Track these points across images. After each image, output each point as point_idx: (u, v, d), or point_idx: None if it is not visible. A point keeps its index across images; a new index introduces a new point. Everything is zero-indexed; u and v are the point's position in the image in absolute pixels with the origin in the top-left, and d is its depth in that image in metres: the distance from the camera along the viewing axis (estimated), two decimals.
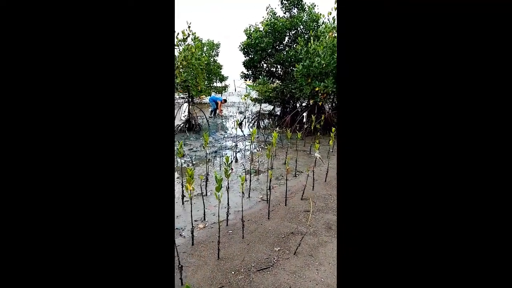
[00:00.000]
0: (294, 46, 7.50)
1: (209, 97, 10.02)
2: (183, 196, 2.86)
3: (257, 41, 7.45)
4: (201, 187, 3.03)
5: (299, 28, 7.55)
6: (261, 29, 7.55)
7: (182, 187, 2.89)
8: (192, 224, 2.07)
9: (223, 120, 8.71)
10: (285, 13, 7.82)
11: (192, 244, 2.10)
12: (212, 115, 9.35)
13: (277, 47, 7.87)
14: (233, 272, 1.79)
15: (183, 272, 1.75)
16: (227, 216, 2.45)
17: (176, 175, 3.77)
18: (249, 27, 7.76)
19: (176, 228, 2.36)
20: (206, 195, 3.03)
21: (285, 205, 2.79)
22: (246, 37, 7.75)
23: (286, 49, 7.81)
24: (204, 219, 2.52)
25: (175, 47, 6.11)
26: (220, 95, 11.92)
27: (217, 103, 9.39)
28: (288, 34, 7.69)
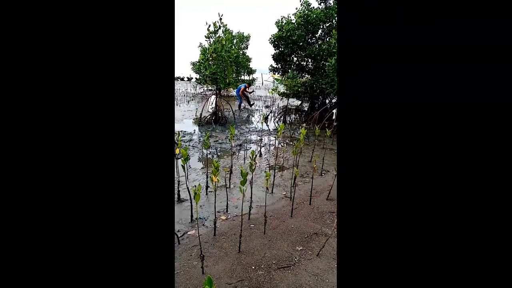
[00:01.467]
0: (328, 39, 7.16)
1: (235, 90, 9.88)
2: (207, 186, 2.91)
3: (288, 34, 7.24)
4: (225, 179, 3.06)
5: (334, 20, 7.17)
6: (294, 21, 7.31)
7: (207, 177, 2.93)
8: (215, 215, 2.09)
9: (249, 114, 8.71)
10: (320, 4, 7.47)
11: (214, 235, 2.12)
12: (240, 108, 9.32)
13: (309, 40, 7.58)
14: (253, 267, 1.77)
15: (204, 261, 1.77)
16: (250, 210, 2.43)
17: (201, 165, 3.86)
18: (281, 19, 7.56)
19: (200, 218, 2.41)
20: (230, 187, 3.05)
21: (309, 204, 2.70)
22: (278, 29, 7.57)
23: (319, 43, 7.49)
24: (227, 211, 2.54)
25: (206, 39, 6.18)
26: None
27: (239, 92, 9.18)
28: (322, 26, 7.35)
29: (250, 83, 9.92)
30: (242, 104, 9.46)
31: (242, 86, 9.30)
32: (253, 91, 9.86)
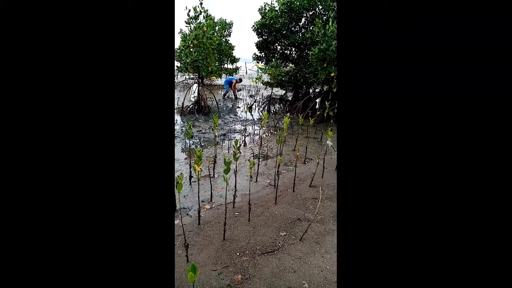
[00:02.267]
0: (311, 28, 7.14)
1: (224, 79, 9.80)
2: (190, 177, 2.87)
3: (271, 21, 7.11)
4: (208, 168, 3.03)
5: (317, 9, 7.13)
6: (277, 8, 7.18)
7: (190, 167, 2.89)
8: (199, 204, 2.07)
9: (233, 103, 8.61)
10: None
11: (199, 224, 2.12)
12: (224, 97, 9.23)
13: (292, 28, 7.51)
14: (238, 254, 1.80)
15: (189, 250, 1.77)
16: (234, 198, 2.44)
17: (184, 156, 3.79)
18: (264, 5, 7.39)
19: (183, 208, 2.38)
20: (214, 177, 3.03)
21: (293, 191, 2.76)
22: (261, 17, 7.41)
23: (302, 31, 7.45)
24: (211, 200, 2.53)
25: (187, 25, 5.92)
26: (237, 76, 11.71)
27: (231, 84, 9.20)
28: (305, 15, 7.29)
29: (241, 79, 9.93)
30: (228, 94, 9.36)
31: (234, 79, 9.23)
32: (240, 90, 9.85)
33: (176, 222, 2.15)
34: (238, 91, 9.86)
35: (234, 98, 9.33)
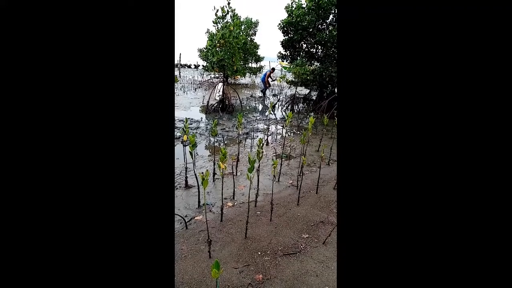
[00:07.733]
0: None
1: (261, 77, 9.70)
2: (214, 174, 2.93)
3: (298, 19, 6.99)
4: (232, 166, 3.06)
5: None
6: (304, 5, 7.04)
7: (214, 165, 2.95)
8: (222, 201, 2.11)
9: (256, 103, 8.63)
10: None
11: (221, 221, 2.15)
12: (264, 94, 9.17)
13: (319, 26, 7.31)
14: (259, 253, 1.80)
15: (211, 246, 1.81)
16: (256, 197, 2.45)
17: (208, 153, 3.87)
18: (291, 3, 7.29)
19: (207, 204, 2.44)
20: (236, 175, 3.06)
21: (316, 193, 2.69)
22: (287, 15, 7.32)
23: (330, 29, 7.22)
24: (234, 198, 2.56)
25: (214, 24, 6.04)
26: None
27: (265, 78, 9.07)
28: (333, 11, 7.05)
29: (274, 68, 9.67)
30: (265, 90, 9.21)
31: (268, 71, 9.13)
32: (274, 80, 9.61)
33: (200, 217, 2.21)
34: (272, 81, 9.68)
35: (264, 89, 9.19)
